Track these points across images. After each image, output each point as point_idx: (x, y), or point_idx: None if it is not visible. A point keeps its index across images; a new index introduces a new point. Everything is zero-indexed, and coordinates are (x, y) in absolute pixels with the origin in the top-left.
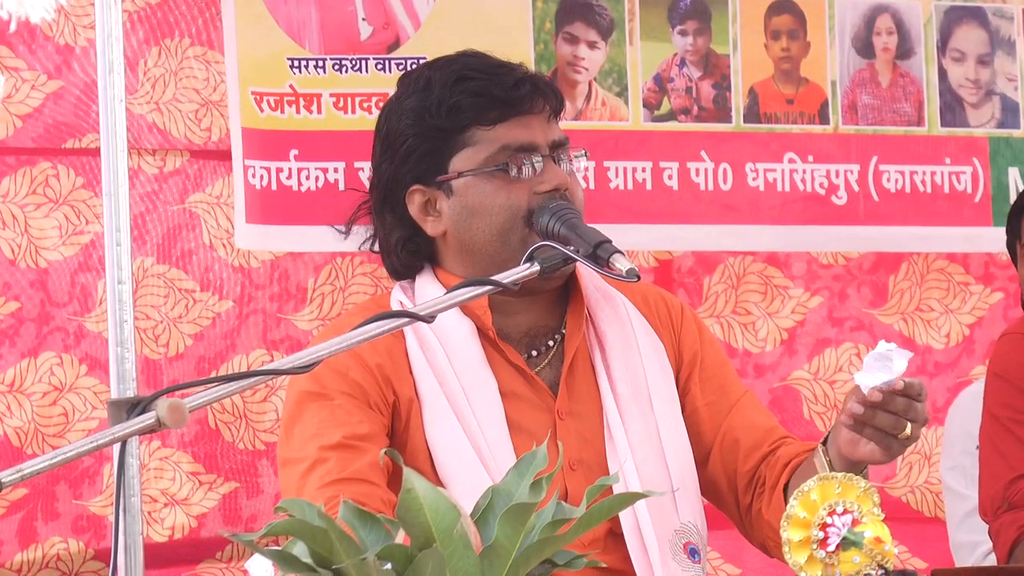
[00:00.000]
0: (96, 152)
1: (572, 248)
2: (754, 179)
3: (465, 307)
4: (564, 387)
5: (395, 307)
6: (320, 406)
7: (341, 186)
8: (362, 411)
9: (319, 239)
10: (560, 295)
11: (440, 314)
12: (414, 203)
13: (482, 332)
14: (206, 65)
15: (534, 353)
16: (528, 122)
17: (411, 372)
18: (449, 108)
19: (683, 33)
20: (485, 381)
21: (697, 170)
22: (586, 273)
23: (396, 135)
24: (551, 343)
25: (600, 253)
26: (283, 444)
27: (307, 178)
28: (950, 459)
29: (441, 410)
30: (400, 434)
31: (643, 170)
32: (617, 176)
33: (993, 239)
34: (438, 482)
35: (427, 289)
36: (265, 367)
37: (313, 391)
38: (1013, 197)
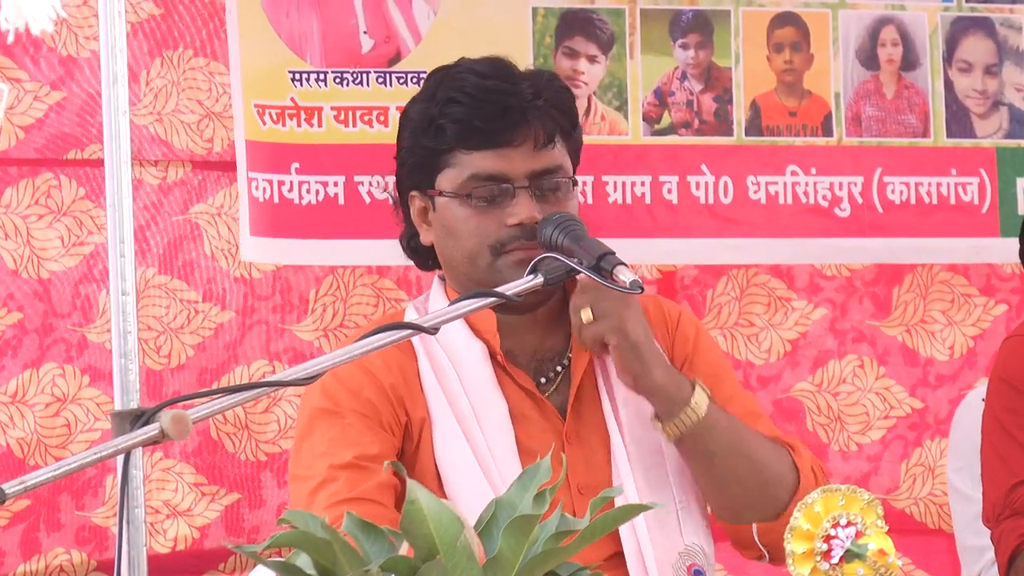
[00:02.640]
0: (98, 163)
1: (575, 260)
2: (755, 192)
3: (475, 330)
4: (573, 410)
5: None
6: (331, 423)
7: (341, 200)
8: (373, 431)
9: (320, 253)
10: (563, 315)
11: (452, 336)
12: (414, 207)
13: (492, 355)
14: (208, 76)
15: (543, 380)
16: (507, 153)
17: (423, 392)
18: (436, 129)
19: (685, 46)
20: (495, 403)
21: (697, 184)
22: None
23: (400, 138)
24: (559, 368)
25: (603, 265)
26: (293, 459)
27: (308, 192)
28: (957, 460)
29: (450, 430)
30: (410, 455)
31: (642, 184)
32: (616, 190)
33: (1001, 250)
34: None
35: (438, 305)
36: (269, 379)
37: (326, 408)
38: (1021, 207)
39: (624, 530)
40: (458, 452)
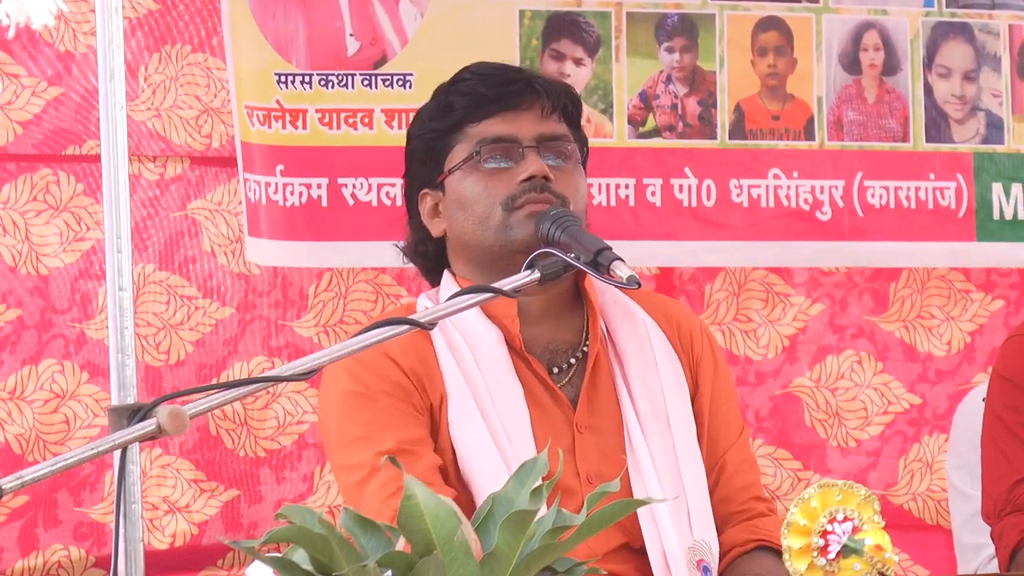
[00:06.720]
0: (96, 159)
1: (573, 255)
2: (738, 195)
3: (493, 316)
4: (585, 401)
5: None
6: (363, 406)
7: (324, 202)
8: (408, 414)
9: (303, 255)
10: (578, 308)
11: (467, 321)
12: (425, 207)
13: (508, 341)
14: (206, 72)
15: (555, 371)
16: (514, 117)
17: (440, 373)
18: (444, 108)
19: (670, 50)
20: (511, 386)
21: (680, 186)
22: (604, 289)
23: (409, 140)
24: (573, 361)
25: (600, 260)
26: (334, 447)
27: (291, 194)
28: (957, 458)
29: (467, 410)
30: (431, 438)
31: (626, 187)
32: (600, 193)
33: (977, 254)
34: (459, 481)
35: (448, 295)
36: (266, 374)
37: (356, 391)
38: (996, 212)
39: (644, 521)
40: (475, 432)
